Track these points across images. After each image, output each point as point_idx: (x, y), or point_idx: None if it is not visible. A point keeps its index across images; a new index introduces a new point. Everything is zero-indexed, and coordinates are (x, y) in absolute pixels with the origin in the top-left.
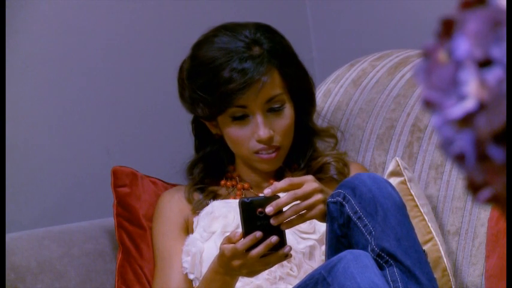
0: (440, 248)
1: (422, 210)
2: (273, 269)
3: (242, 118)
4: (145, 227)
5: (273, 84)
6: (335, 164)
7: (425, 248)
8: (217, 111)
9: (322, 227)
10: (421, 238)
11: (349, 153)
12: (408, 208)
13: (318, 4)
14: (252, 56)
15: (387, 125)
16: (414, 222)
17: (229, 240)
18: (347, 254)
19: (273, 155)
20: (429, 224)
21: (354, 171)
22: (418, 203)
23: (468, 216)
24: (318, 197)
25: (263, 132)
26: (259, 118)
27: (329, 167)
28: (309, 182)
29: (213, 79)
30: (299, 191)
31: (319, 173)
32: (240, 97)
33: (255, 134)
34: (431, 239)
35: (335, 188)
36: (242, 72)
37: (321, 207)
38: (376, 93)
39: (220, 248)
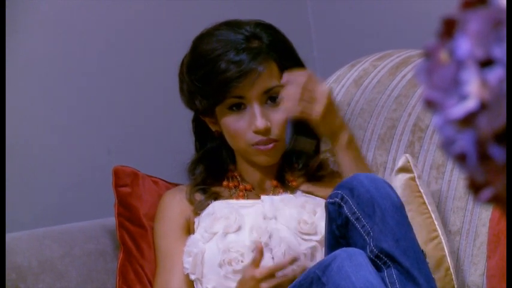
0: (445, 247)
1: (429, 208)
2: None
3: (239, 109)
4: (147, 226)
5: (271, 76)
6: (333, 158)
7: (429, 246)
8: (214, 102)
9: (323, 228)
10: (426, 236)
11: None
12: (416, 205)
13: (319, 4)
14: (249, 48)
15: (388, 125)
16: (421, 219)
17: None
18: (341, 253)
19: (270, 146)
20: (435, 222)
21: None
22: (426, 201)
23: (469, 216)
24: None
25: (260, 122)
26: (256, 108)
27: (327, 162)
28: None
29: (211, 70)
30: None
31: (319, 171)
32: (236, 86)
33: (252, 125)
34: (437, 237)
35: (333, 189)
36: (239, 62)
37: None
38: (378, 93)
39: None
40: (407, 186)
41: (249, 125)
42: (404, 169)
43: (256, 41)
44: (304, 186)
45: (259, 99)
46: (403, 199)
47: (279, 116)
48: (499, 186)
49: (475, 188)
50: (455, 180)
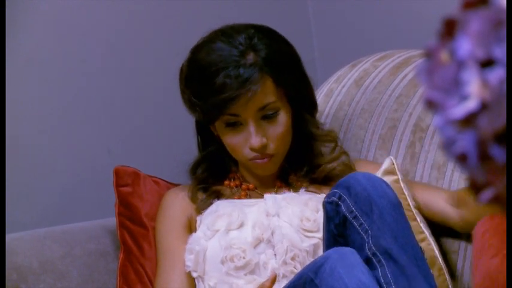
0: (434, 248)
1: (413, 211)
2: (276, 266)
3: (235, 126)
4: (148, 226)
5: (266, 93)
6: (339, 168)
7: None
8: (210, 118)
9: None
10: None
11: (351, 153)
12: None
13: (320, 4)
14: (244, 65)
15: (389, 125)
16: None
17: None
18: (333, 254)
19: (265, 160)
20: (421, 225)
21: (360, 167)
22: (410, 203)
23: None
24: None
25: (255, 141)
26: (251, 126)
27: (335, 173)
28: None
29: (206, 87)
30: None
31: (329, 181)
32: (231, 106)
33: (247, 141)
34: (425, 238)
35: (331, 188)
36: (234, 81)
37: None
38: (378, 93)
39: None
40: (392, 188)
41: (245, 142)
42: (389, 171)
43: (251, 55)
44: (310, 187)
45: (254, 117)
46: None
47: (275, 131)
48: (500, 187)
49: (475, 188)
50: (457, 180)
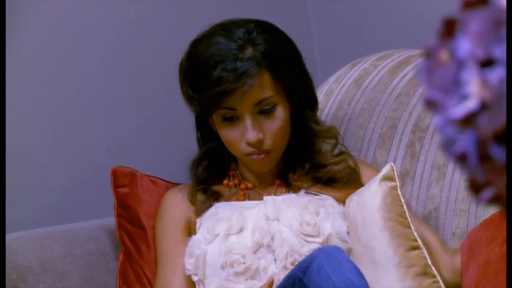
0: (427, 256)
1: (409, 220)
2: (276, 271)
3: (232, 120)
4: (145, 227)
5: (263, 87)
6: (346, 171)
7: (413, 253)
8: (207, 112)
9: (326, 230)
10: (408, 244)
11: (350, 152)
12: (397, 214)
13: (320, 4)
14: (242, 59)
15: (389, 125)
16: (401, 228)
17: None
18: (319, 253)
19: (262, 156)
20: (414, 233)
21: (364, 170)
22: (406, 212)
23: (474, 219)
24: None
25: (251, 135)
26: (247, 121)
27: (341, 175)
28: None
29: (203, 80)
30: None
31: (333, 182)
32: (227, 99)
33: (244, 136)
34: (418, 246)
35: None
36: (230, 75)
37: None
38: (378, 92)
39: None
40: (390, 194)
41: (241, 136)
42: (388, 177)
43: (250, 49)
44: (312, 187)
45: (251, 111)
46: (384, 206)
47: (272, 126)
48: (500, 186)
49: (475, 188)
50: (457, 181)
